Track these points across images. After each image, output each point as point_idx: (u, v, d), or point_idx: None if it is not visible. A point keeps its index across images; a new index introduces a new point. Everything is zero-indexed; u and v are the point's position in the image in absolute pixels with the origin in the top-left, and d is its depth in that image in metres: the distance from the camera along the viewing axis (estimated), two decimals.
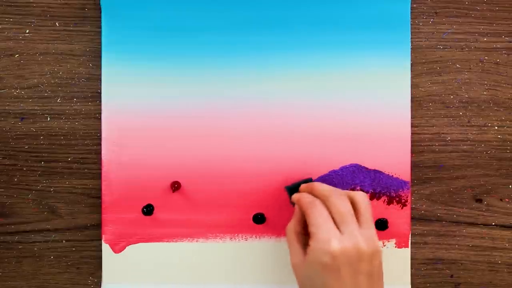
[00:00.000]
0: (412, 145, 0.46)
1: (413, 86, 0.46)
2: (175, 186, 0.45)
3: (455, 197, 0.46)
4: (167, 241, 0.46)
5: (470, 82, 0.46)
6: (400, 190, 0.45)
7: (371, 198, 0.45)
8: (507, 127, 0.46)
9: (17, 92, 0.46)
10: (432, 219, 0.46)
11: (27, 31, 0.46)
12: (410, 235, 0.46)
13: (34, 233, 0.46)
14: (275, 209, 0.45)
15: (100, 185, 0.46)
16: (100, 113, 0.45)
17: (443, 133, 0.46)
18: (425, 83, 0.46)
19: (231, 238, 0.46)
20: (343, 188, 0.45)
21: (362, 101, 0.45)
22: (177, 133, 0.45)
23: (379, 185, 0.45)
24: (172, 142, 0.45)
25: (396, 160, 0.45)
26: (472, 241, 0.46)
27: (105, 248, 0.45)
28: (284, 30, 0.45)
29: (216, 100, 0.45)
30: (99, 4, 0.45)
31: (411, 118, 0.45)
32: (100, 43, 0.45)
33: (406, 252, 0.46)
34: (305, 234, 0.39)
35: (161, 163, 0.45)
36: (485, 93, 0.46)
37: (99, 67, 0.45)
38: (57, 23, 0.46)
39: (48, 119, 0.46)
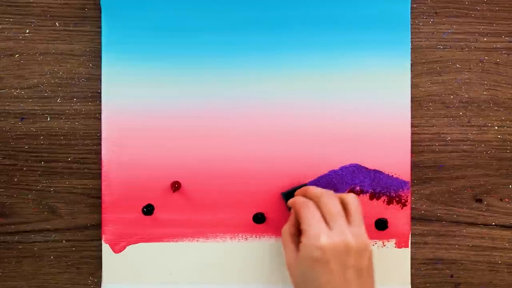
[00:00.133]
0: (412, 145, 0.46)
1: (413, 86, 0.46)
2: (175, 186, 0.45)
3: (455, 197, 0.46)
4: (167, 241, 0.46)
5: (470, 82, 0.46)
6: (400, 190, 0.45)
7: (371, 198, 0.45)
8: (507, 127, 0.46)
9: (17, 92, 0.46)
10: (432, 219, 0.46)
11: (27, 31, 0.46)
12: (410, 235, 0.46)
13: (34, 233, 0.46)
14: (275, 209, 0.45)
15: (100, 185, 0.46)
16: (100, 113, 0.45)
17: (443, 133, 0.46)
18: (425, 83, 0.46)
19: (231, 238, 0.46)
20: (343, 188, 0.45)
21: (362, 101, 0.45)
22: (177, 133, 0.45)
23: (379, 185, 0.45)
24: (172, 142, 0.45)
25: (396, 160, 0.45)
26: (472, 241, 0.46)
27: (105, 248, 0.45)
28: (284, 30, 0.45)
29: (216, 100, 0.45)
30: (99, 4, 0.45)
31: (411, 118, 0.45)
32: (100, 43, 0.45)
33: (406, 252, 0.46)
34: (299, 236, 0.40)
35: (161, 163, 0.45)
36: (485, 93, 0.46)
37: (99, 67, 0.45)
38: (57, 23, 0.46)
39: (48, 119, 0.46)
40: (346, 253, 0.37)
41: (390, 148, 0.45)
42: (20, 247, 0.46)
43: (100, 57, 0.45)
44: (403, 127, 0.45)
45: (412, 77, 0.46)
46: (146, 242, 0.46)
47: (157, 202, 0.45)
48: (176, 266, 0.46)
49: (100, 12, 0.45)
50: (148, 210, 0.45)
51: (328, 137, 0.45)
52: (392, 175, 0.45)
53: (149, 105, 0.45)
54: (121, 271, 0.46)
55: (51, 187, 0.46)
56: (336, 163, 0.45)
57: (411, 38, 0.45)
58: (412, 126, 0.46)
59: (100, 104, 0.45)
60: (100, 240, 0.46)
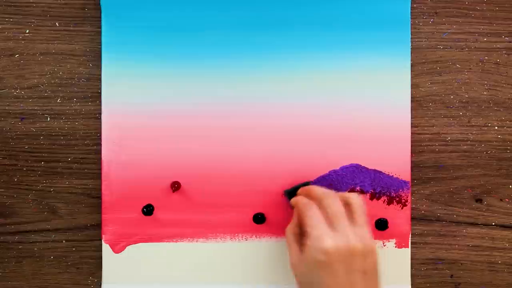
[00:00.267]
0: (412, 145, 0.46)
1: (413, 86, 0.46)
2: (175, 186, 0.45)
3: (455, 197, 0.46)
4: (167, 241, 0.46)
5: (470, 82, 0.46)
6: (400, 190, 0.45)
7: (371, 198, 0.45)
8: (507, 127, 0.46)
9: (17, 92, 0.46)
10: (432, 219, 0.46)
11: (27, 31, 0.46)
12: (410, 235, 0.46)
13: (34, 233, 0.46)
14: (275, 209, 0.45)
15: (100, 185, 0.46)
16: (100, 113, 0.45)
17: (443, 133, 0.46)
18: (425, 83, 0.46)
19: (231, 238, 0.46)
20: (343, 188, 0.45)
21: (362, 101, 0.45)
22: (177, 133, 0.45)
23: (379, 185, 0.45)
24: (172, 142, 0.45)
25: (396, 160, 0.45)
26: (472, 241, 0.46)
27: (105, 248, 0.45)
28: (284, 30, 0.45)
29: (216, 100, 0.45)
30: (99, 4, 0.45)
31: (411, 118, 0.45)
32: (100, 43, 0.45)
33: (406, 252, 0.46)
34: (303, 236, 0.40)
35: (161, 163, 0.45)
36: (485, 93, 0.46)
37: (99, 67, 0.45)
38: (57, 23, 0.46)
39: (48, 119, 0.46)
40: (351, 256, 0.37)
41: (390, 148, 0.45)
42: (20, 247, 0.46)
43: (100, 57, 0.45)
44: (403, 127, 0.45)
45: (412, 77, 0.46)
46: (146, 242, 0.46)
47: (157, 202, 0.45)
48: (176, 266, 0.46)
49: (100, 12, 0.45)
50: (148, 210, 0.45)
51: (328, 137, 0.45)
52: (392, 175, 0.45)
53: (149, 105, 0.45)
54: (121, 271, 0.46)
55: (51, 187, 0.46)
56: (336, 163, 0.45)
57: (411, 38, 0.45)
58: (412, 126, 0.46)
59: (100, 104, 0.45)
60: (100, 240, 0.46)
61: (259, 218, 0.45)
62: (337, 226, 0.38)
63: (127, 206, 0.45)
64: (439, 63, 0.46)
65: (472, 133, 0.46)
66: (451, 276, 0.46)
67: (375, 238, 0.45)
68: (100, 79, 0.45)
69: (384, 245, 0.46)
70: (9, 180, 0.46)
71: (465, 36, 0.46)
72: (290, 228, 0.41)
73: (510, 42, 0.46)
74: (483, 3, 0.46)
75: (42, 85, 0.46)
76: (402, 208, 0.45)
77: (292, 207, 0.42)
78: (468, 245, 0.46)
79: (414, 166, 0.46)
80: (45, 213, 0.46)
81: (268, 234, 0.46)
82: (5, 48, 0.46)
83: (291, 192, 0.44)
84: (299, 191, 0.43)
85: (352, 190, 0.45)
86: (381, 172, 0.45)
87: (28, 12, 0.46)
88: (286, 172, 0.45)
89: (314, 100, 0.45)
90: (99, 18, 0.45)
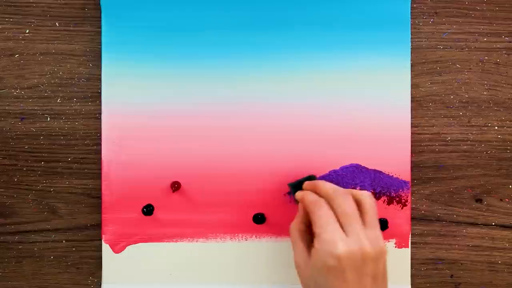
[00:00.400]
0: (412, 145, 0.46)
1: (413, 86, 0.46)
2: (175, 186, 0.45)
3: (455, 197, 0.46)
4: (167, 241, 0.46)
5: (470, 82, 0.46)
6: (400, 190, 0.45)
7: None
8: (507, 127, 0.46)
9: (17, 92, 0.46)
10: (432, 219, 0.46)
11: (27, 31, 0.46)
12: (410, 235, 0.46)
13: (34, 233, 0.46)
14: (275, 209, 0.45)
15: (100, 185, 0.46)
16: (100, 113, 0.45)
17: (443, 133, 0.46)
18: (425, 83, 0.46)
19: (231, 238, 0.46)
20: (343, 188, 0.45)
21: (362, 101, 0.45)
22: (177, 133, 0.45)
23: (379, 185, 0.45)
24: (172, 142, 0.45)
25: (396, 160, 0.45)
26: (472, 241, 0.46)
27: (105, 248, 0.45)
28: (284, 30, 0.45)
29: (216, 100, 0.45)
30: (99, 4, 0.45)
31: (411, 118, 0.45)
32: (100, 43, 0.45)
33: (406, 252, 0.46)
34: (309, 233, 0.39)
35: (161, 163, 0.45)
36: (485, 93, 0.46)
37: (99, 67, 0.45)
38: (57, 23, 0.46)
39: (48, 119, 0.46)
40: (363, 261, 0.35)
41: (390, 148, 0.45)
42: (20, 247, 0.46)
43: (100, 57, 0.45)
44: (403, 127, 0.45)
45: (412, 77, 0.46)
46: (146, 242, 0.46)
47: (157, 202, 0.45)
48: (176, 266, 0.46)
49: (100, 12, 0.45)
50: (148, 210, 0.45)
51: (328, 137, 0.45)
52: (392, 175, 0.45)
53: (149, 105, 0.45)
54: (121, 271, 0.46)
55: (51, 187, 0.46)
56: (336, 163, 0.45)
57: (411, 38, 0.45)
58: (412, 126, 0.46)
59: (100, 104, 0.45)
60: (100, 240, 0.46)
61: (259, 218, 0.45)
62: (349, 228, 0.36)
63: (127, 206, 0.45)
64: (439, 63, 0.46)
65: (472, 133, 0.46)
66: (451, 276, 0.46)
67: None
68: (100, 79, 0.45)
69: None
70: (9, 180, 0.46)
71: (465, 36, 0.46)
72: (295, 225, 0.40)
73: (510, 42, 0.46)
74: (483, 3, 0.46)
75: (42, 85, 0.46)
76: (402, 208, 0.45)
77: (296, 202, 0.41)
78: (468, 245, 0.46)
79: (414, 166, 0.46)
80: (45, 213, 0.46)
81: (268, 234, 0.46)
82: (5, 48, 0.46)
83: (296, 186, 0.43)
84: (305, 185, 0.42)
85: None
86: (381, 172, 0.45)
87: (28, 12, 0.46)
88: (286, 172, 0.45)
89: (314, 100, 0.45)
90: (99, 18, 0.45)
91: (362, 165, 0.45)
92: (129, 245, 0.46)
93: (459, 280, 0.46)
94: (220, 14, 0.45)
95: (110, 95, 0.45)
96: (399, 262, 0.46)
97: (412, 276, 0.46)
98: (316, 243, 0.36)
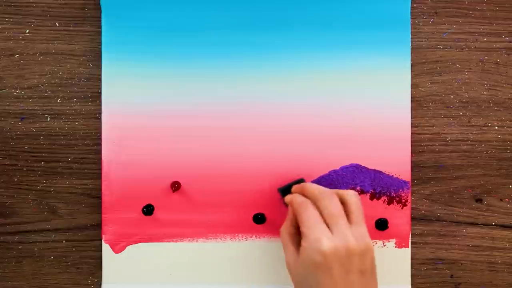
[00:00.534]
0: (412, 145, 0.46)
1: (413, 86, 0.46)
2: (175, 186, 0.45)
3: (455, 197, 0.46)
4: (167, 241, 0.46)
5: (470, 82, 0.46)
6: (400, 190, 0.45)
7: (371, 198, 0.45)
8: (507, 127, 0.46)
9: (17, 92, 0.46)
10: (432, 219, 0.46)
11: (27, 31, 0.46)
12: (410, 235, 0.46)
13: (34, 233, 0.46)
14: (275, 209, 0.45)
15: (100, 185, 0.46)
16: (100, 113, 0.45)
17: (443, 133, 0.46)
18: (425, 83, 0.46)
19: (231, 238, 0.46)
20: (343, 188, 0.45)
21: (362, 101, 0.45)
22: (177, 133, 0.45)
23: (379, 185, 0.45)
24: (172, 142, 0.45)
25: (396, 160, 0.45)
26: (472, 241, 0.46)
27: (105, 248, 0.45)
28: (284, 30, 0.45)
29: (216, 100, 0.45)
30: (99, 4, 0.45)
31: (411, 118, 0.45)
32: (100, 43, 0.45)
33: (406, 252, 0.46)
34: (298, 235, 0.40)
35: (161, 163, 0.45)
36: (485, 93, 0.46)
37: (99, 67, 0.45)
38: (57, 23, 0.46)
39: (48, 119, 0.46)
40: (349, 257, 0.37)
41: (390, 148, 0.45)
42: (20, 247, 0.46)
43: (100, 57, 0.45)
44: (403, 127, 0.45)
45: (412, 77, 0.46)
46: (146, 242, 0.46)
47: (157, 202, 0.45)
48: (176, 266, 0.46)
49: (100, 12, 0.45)
50: (148, 210, 0.45)
51: (328, 137, 0.45)
52: (392, 175, 0.45)
53: (149, 105, 0.45)
54: (121, 271, 0.46)
55: (51, 187, 0.46)
56: (336, 163, 0.45)
57: (411, 38, 0.45)
58: (412, 126, 0.46)
59: (100, 104, 0.45)
60: (100, 240, 0.46)
61: (259, 218, 0.45)
62: (335, 227, 0.37)
63: (127, 206, 0.45)
64: (439, 63, 0.46)
65: (472, 133, 0.46)
66: (451, 276, 0.46)
67: (375, 238, 0.45)
68: (100, 79, 0.45)
69: (384, 245, 0.46)
70: (9, 180, 0.46)
71: (465, 36, 0.46)
72: (285, 228, 0.41)
73: (510, 42, 0.46)
74: (483, 3, 0.46)
75: (42, 85, 0.46)
76: (402, 208, 0.45)
77: (286, 205, 0.42)
78: (468, 245, 0.46)
79: (414, 166, 0.46)
80: (45, 213, 0.46)
81: (268, 234, 0.46)
82: (5, 48, 0.46)
83: (285, 190, 0.43)
84: (293, 188, 0.42)
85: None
86: (381, 172, 0.45)
87: (28, 12, 0.46)
88: (286, 172, 0.45)
89: (314, 100, 0.45)
90: (99, 18, 0.45)
91: (362, 165, 0.45)
92: (129, 245, 0.46)
93: (459, 280, 0.46)
94: (220, 14, 0.45)
95: (110, 95, 0.45)
96: (399, 262, 0.46)
97: (412, 276, 0.46)
98: (304, 242, 0.38)
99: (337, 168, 0.45)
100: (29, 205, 0.46)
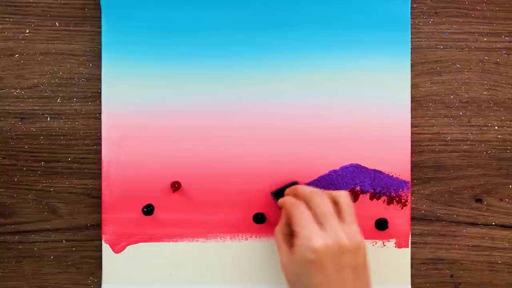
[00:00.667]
0: (412, 145, 0.46)
1: (413, 86, 0.46)
2: (175, 186, 0.45)
3: (455, 197, 0.46)
4: (167, 241, 0.46)
5: (470, 82, 0.46)
6: (400, 190, 0.45)
7: (371, 198, 0.45)
8: (507, 127, 0.46)
9: (17, 92, 0.46)
10: (432, 219, 0.46)
11: (27, 31, 0.46)
12: (410, 235, 0.46)
13: (34, 233, 0.46)
14: (275, 209, 0.45)
15: (100, 185, 0.46)
16: (100, 113, 0.45)
17: (443, 133, 0.46)
18: (425, 83, 0.46)
19: (231, 238, 0.46)
20: (343, 188, 0.45)
21: (362, 101, 0.45)
22: (177, 133, 0.45)
23: (379, 185, 0.45)
24: (172, 142, 0.45)
25: (396, 160, 0.45)
26: (472, 241, 0.46)
27: (105, 248, 0.45)
28: (284, 30, 0.45)
29: (216, 100, 0.45)
30: (99, 4, 0.45)
31: (411, 118, 0.45)
32: (100, 43, 0.45)
33: (406, 252, 0.46)
34: (292, 235, 0.40)
35: (161, 163, 0.45)
36: (485, 93, 0.46)
37: (99, 67, 0.45)
38: (57, 23, 0.46)
39: (48, 119, 0.46)
40: (340, 254, 0.37)
41: (390, 148, 0.45)
42: (20, 247, 0.46)
43: (100, 57, 0.45)
44: (403, 127, 0.45)
45: (412, 77, 0.46)
46: (146, 242, 0.46)
47: (157, 202, 0.45)
48: (176, 266, 0.46)
49: (100, 12, 0.45)
50: (148, 210, 0.45)
51: (328, 137, 0.45)
52: (392, 175, 0.45)
53: (149, 105, 0.45)
54: (121, 271, 0.46)
55: (51, 187, 0.46)
56: (336, 163, 0.45)
57: (411, 38, 0.45)
58: (412, 126, 0.46)
59: (100, 104, 0.45)
60: (100, 240, 0.46)
61: (259, 218, 0.45)
62: (326, 225, 0.38)
63: (127, 206, 0.45)
64: (439, 63, 0.46)
65: (472, 133, 0.46)
66: (451, 276, 0.46)
67: (375, 238, 0.45)
68: (100, 79, 0.45)
69: (384, 245, 0.46)
70: (9, 180, 0.46)
71: (465, 36, 0.46)
72: (279, 229, 0.41)
73: (510, 42, 0.46)
74: (483, 3, 0.46)
75: (42, 85, 0.46)
76: (402, 208, 0.45)
77: (280, 208, 0.42)
78: (468, 245, 0.46)
79: (414, 166, 0.46)
80: (45, 213, 0.46)
81: (268, 234, 0.46)
82: (5, 48, 0.46)
83: (278, 193, 0.44)
84: (286, 191, 0.43)
85: (352, 190, 0.45)
86: (381, 172, 0.45)
87: (28, 12, 0.46)
88: (286, 172, 0.45)
89: (314, 100, 0.45)
90: (99, 18, 0.45)
91: (362, 165, 0.45)
92: (129, 245, 0.46)
93: (459, 280, 0.46)
94: (220, 14, 0.45)
95: (110, 95, 0.45)
96: (399, 262, 0.46)
97: (412, 276, 0.46)
98: (296, 240, 0.38)
99: (337, 168, 0.45)
100: (29, 205, 0.46)
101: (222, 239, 0.46)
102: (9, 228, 0.46)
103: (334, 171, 0.45)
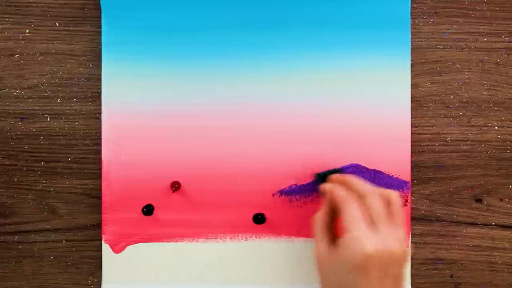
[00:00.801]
0: (412, 145, 0.46)
1: (413, 86, 0.46)
2: (175, 186, 0.45)
3: (455, 197, 0.46)
4: (167, 241, 0.46)
5: (470, 82, 0.46)
6: (400, 190, 0.45)
7: None
8: (507, 127, 0.46)
9: (17, 92, 0.46)
10: (432, 219, 0.46)
11: (27, 31, 0.46)
12: (410, 235, 0.46)
13: (34, 233, 0.46)
14: (275, 209, 0.45)
15: (100, 185, 0.46)
16: (100, 113, 0.45)
17: (443, 133, 0.46)
18: (425, 83, 0.46)
19: (231, 238, 0.46)
20: None
21: (362, 101, 0.45)
22: (177, 133, 0.45)
23: (379, 185, 0.45)
24: (172, 142, 0.45)
25: (396, 160, 0.45)
26: (472, 241, 0.46)
27: (105, 248, 0.45)
28: (283, 30, 0.45)
29: (215, 100, 0.45)
30: (99, 4, 0.45)
31: (411, 118, 0.45)
32: (100, 43, 0.45)
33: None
34: (332, 226, 0.39)
35: (161, 163, 0.45)
36: (485, 93, 0.46)
37: (99, 67, 0.45)
38: (57, 23, 0.46)
39: (48, 119, 0.46)
40: (389, 262, 0.36)
41: (390, 148, 0.45)
42: (20, 247, 0.46)
43: (100, 57, 0.45)
44: (403, 127, 0.45)
45: (412, 77, 0.46)
46: (146, 242, 0.46)
47: (157, 202, 0.45)
48: (176, 266, 0.46)
49: (100, 12, 0.45)
50: (148, 210, 0.45)
51: (328, 137, 0.45)
52: (392, 175, 0.45)
53: (149, 105, 0.45)
54: (121, 271, 0.46)
55: (51, 187, 0.46)
56: (336, 163, 0.45)
57: (411, 38, 0.45)
58: (412, 126, 0.46)
59: (100, 104, 0.45)
60: (100, 240, 0.46)
61: (259, 218, 0.45)
62: (378, 228, 0.37)
63: (127, 206, 0.45)
64: (439, 63, 0.46)
65: (472, 133, 0.46)
66: (451, 276, 0.46)
67: None
68: (100, 79, 0.45)
69: None
70: (9, 180, 0.46)
71: (465, 36, 0.46)
72: (320, 217, 0.40)
73: (510, 42, 0.46)
74: (483, 3, 0.46)
75: (42, 85, 0.46)
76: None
77: (321, 192, 0.41)
78: (468, 245, 0.46)
79: (414, 166, 0.46)
80: (45, 213, 0.46)
81: (268, 234, 0.46)
82: (5, 48, 0.46)
83: (324, 176, 0.43)
84: (334, 178, 0.42)
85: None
86: (381, 172, 0.45)
87: (28, 12, 0.46)
88: (286, 172, 0.45)
89: (313, 100, 0.45)
90: (99, 18, 0.45)
91: (362, 165, 0.45)
92: (129, 245, 0.46)
93: (459, 280, 0.46)
94: (219, 14, 0.45)
95: (110, 95, 0.45)
96: None
97: (412, 276, 0.46)
98: (345, 239, 0.37)
99: (337, 168, 0.45)
100: (29, 205, 0.46)
101: (222, 239, 0.46)
102: (9, 228, 0.46)
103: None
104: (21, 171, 0.46)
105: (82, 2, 0.46)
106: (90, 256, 0.47)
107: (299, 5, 0.45)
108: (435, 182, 0.46)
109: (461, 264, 0.46)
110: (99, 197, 0.46)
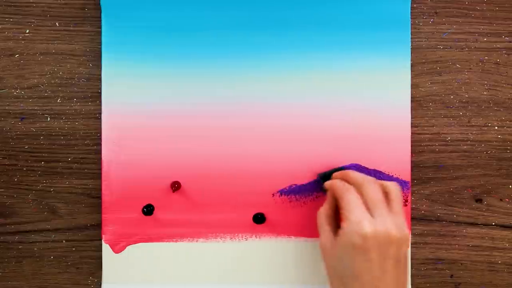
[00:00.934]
0: (412, 145, 0.46)
1: (413, 86, 0.46)
2: (175, 186, 0.45)
3: (455, 197, 0.46)
4: (167, 241, 0.46)
5: (470, 82, 0.46)
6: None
7: None
8: (507, 127, 0.46)
9: (17, 92, 0.46)
10: (432, 219, 0.46)
11: (27, 31, 0.46)
12: (410, 235, 0.46)
13: (34, 233, 0.46)
14: (275, 209, 0.45)
15: (100, 185, 0.46)
16: (100, 113, 0.45)
17: (443, 133, 0.46)
18: (425, 83, 0.46)
19: (231, 238, 0.46)
20: None
21: (362, 101, 0.45)
22: (177, 133, 0.45)
23: None
24: (172, 142, 0.45)
25: (396, 160, 0.45)
26: (472, 241, 0.46)
27: (105, 248, 0.45)
28: (284, 30, 0.45)
29: (215, 100, 0.45)
30: (99, 4, 0.45)
31: (411, 118, 0.45)
32: (100, 43, 0.45)
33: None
34: (335, 219, 0.41)
35: (161, 163, 0.45)
36: (485, 93, 0.46)
37: (99, 67, 0.45)
38: (57, 23, 0.46)
39: (48, 119, 0.46)
40: (387, 243, 0.37)
41: (390, 148, 0.45)
42: (20, 247, 0.46)
43: (100, 57, 0.45)
44: (403, 127, 0.45)
45: (412, 77, 0.46)
46: (146, 242, 0.46)
47: (157, 202, 0.45)
48: (176, 266, 0.46)
49: (100, 12, 0.45)
50: (148, 210, 0.45)
51: (328, 137, 0.45)
52: (392, 175, 0.45)
53: (149, 105, 0.45)
54: (121, 271, 0.46)
55: (51, 187, 0.46)
56: (336, 163, 0.45)
57: (411, 38, 0.45)
58: (412, 126, 0.46)
59: (100, 104, 0.45)
60: (100, 240, 0.46)
61: (259, 218, 0.45)
62: (376, 212, 0.38)
63: (127, 206, 0.45)
64: (439, 63, 0.46)
65: (472, 133, 0.46)
66: (451, 276, 0.46)
67: None
68: (100, 79, 0.45)
69: None
70: (9, 180, 0.46)
71: (465, 36, 0.46)
72: (323, 210, 0.41)
73: (510, 42, 0.46)
74: (483, 3, 0.46)
75: (42, 85, 0.46)
76: None
77: (325, 191, 0.42)
78: (468, 245, 0.46)
79: (414, 166, 0.46)
80: (45, 213, 0.46)
81: (268, 234, 0.46)
82: (5, 48, 0.46)
83: (325, 176, 0.44)
84: (335, 174, 0.43)
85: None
86: (381, 172, 0.45)
87: (28, 12, 0.46)
88: (286, 172, 0.45)
89: (313, 100, 0.45)
90: (99, 18, 0.45)
91: (362, 165, 0.45)
92: (129, 245, 0.46)
93: (459, 280, 0.46)
94: (219, 14, 0.45)
95: (110, 95, 0.45)
96: None
97: (412, 276, 0.46)
98: (344, 224, 0.38)
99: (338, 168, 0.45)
100: (29, 205, 0.46)
101: (222, 239, 0.46)
102: (9, 228, 0.46)
103: None
104: (21, 171, 0.46)
105: (82, 2, 0.46)
106: (90, 256, 0.47)
107: (299, 5, 0.45)
108: (435, 182, 0.46)
109: (461, 264, 0.46)
110: (99, 197, 0.46)
